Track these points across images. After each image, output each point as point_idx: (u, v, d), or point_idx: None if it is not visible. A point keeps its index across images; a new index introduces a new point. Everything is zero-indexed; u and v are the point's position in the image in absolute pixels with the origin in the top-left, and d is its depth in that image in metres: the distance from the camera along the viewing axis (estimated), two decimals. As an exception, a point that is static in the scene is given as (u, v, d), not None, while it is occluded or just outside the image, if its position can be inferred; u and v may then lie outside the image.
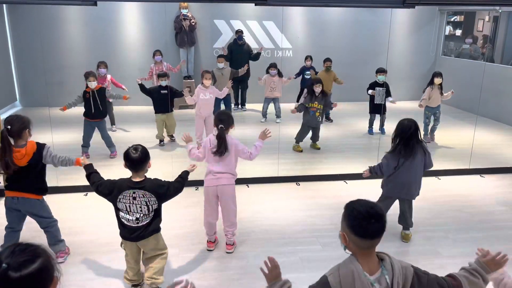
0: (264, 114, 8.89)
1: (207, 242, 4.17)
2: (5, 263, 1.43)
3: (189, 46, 9.83)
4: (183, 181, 3.44)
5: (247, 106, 10.03)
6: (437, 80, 7.32)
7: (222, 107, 8.47)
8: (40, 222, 3.90)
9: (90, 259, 3.95)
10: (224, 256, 4.05)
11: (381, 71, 7.84)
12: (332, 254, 4.12)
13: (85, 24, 9.72)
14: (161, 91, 7.00)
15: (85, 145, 6.65)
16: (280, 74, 8.60)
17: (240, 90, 9.78)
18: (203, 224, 4.19)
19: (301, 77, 9.21)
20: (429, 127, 7.69)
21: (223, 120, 3.87)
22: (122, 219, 3.20)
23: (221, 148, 3.83)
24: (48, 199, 5.13)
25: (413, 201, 4.36)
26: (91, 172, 3.40)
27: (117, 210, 3.22)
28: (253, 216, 4.83)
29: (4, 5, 9.15)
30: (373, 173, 4.30)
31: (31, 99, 9.78)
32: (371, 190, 5.56)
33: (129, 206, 3.14)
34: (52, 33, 9.54)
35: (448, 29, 11.07)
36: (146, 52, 9.91)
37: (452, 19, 11.08)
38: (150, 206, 3.17)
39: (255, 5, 5.45)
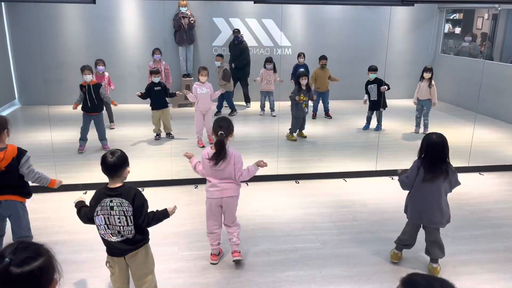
0: (262, 107, 9.31)
1: (211, 255, 3.94)
2: (8, 258, 1.45)
3: (188, 44, 9.82)
4: (153, 216, 3.06)
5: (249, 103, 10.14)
6: (426, 75, 7.64)
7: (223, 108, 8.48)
8: (17, 231, 3.63)
9: (88, 257, 3.95)
10: (223, 255, 4.04)
11: (372, 69, 7.98)
12: (331, 252, 4.13)
13: (84, 21, 9.70)
14: (155, 88, 7.16)
15: (83, 138, 6.77)
16: (274, 69, 9.09)
17: (241, 88, 9.90)
18: (206, 232, 3.99)
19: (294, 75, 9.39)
20: (421, 121, 7.96)
21: (223, 127, 3.63)
22: (105, 236, 2.99)
23: (220, 155, 3.58)
24: (47, 197, 5.16)
25: (440, 229, 3.84)
26: (82, 207, 3.15)
27: (98, 228, 2.99)
28: (252, 214, 4.83)
29: (3, 3, 9.13)
30: (400, 180, 3.84)
31: (30, 97, 9.77)
32: (371, 189, 5.58)
33: (108, 218, 2.93)
34: (51, 31, 9.53)
35: (447, 27, 11.07)
36: (145, 50, 9.91)
37: (451, 17, 11.08)
38: (128, 218, 2.92)
39: (254, 2, 5.44)
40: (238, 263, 3.87)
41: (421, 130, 7.92)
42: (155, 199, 5.14)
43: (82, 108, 6.66)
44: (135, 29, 9.91)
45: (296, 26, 10.46)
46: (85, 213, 3.09)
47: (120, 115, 8.44)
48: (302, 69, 9.16)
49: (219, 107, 9.15)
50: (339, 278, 3.72)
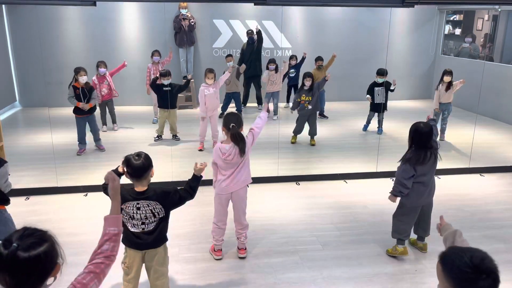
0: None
1: (217, 251, 4.02)
2: (15, 244, 1.54)
3: (189, 45, 9.83)
4: (191, 191, 3.17)
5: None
6: (446, 78, 7.42)
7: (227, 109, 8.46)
8: None
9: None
10: (224, 256, 4.04)
11: (380, 73, 7.89)
12: (332, 253, 4.13)
13: (84, 23, 9.72)
14: (164, 88, 7.19)
15: (81, 142, 6.75)
16: (276, 70, 9.07)
17: (255, 90, 9.87)
18: (207, 234, 4.14)
19: (287, 76, 9.53)
20: (438, 127, 7.70)
21: (233, 120, 3.68)
22: (127, 224, 2.97)
23: (242, 146, 3.63)
24: (49, 199, 5.16)
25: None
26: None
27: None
28: (253, 215, 4.82)
29: (3, 5, 9.15)
30: (399, 194, 3.88)
31: (30, 99, 9.77)
32: (371, 190, 5.58)
33: (133, 215, 2.94)
34: (51, 33, 9.54)
35: (448, 28, 11.07)
36: (146, 51, 9.90)
37: (451, 18, 11.08)
38: (155, 213, 2.96)
39: (255, 4, 5.45)
40: (231, 254, 4.05)
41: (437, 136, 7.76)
42: (155, 201, 5.15)
43: (75, 111, 6.61)
44: (136, 31, 9.93)
45: (296, 27, 10.47)
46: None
47: (120, 116, 8.44)
48: (292, 70, 9.35)
49: (224, 108, 9.16)
50: (340, 280, 3.72)
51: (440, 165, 6.35)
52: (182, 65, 9.95)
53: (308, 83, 7.19)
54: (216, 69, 9.71)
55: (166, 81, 7.13)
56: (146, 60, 9.82)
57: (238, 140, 3.62)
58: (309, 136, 7.46)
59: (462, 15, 10.92)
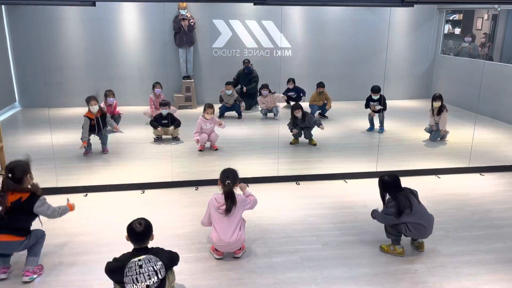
0: (262, 112, 9.36)
1: (217, 250, 4.03)
2: None
3: (188, 46, 9.84)
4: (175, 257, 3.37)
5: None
6: (435, 104, 7.45)
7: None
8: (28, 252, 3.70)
9: (90, 259, 3.94)
10: (224, 256, 4.04)
11: (375, 90, 8.00)
12: (332, 253, 4.13)
13: (84, 24, 9.72)
14: (162, 121, 7.26)
15: (85, 141, 6.64)
16: (270, 92, 9.20)
17: (248, 105, 9.96)
18: (206, 235, 4.14)
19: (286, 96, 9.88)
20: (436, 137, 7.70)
21: (230, 177, 3.90)
22: None
23: (230, 203, 3.83)
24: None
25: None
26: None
27: (123, 285, 3.03)
28: (253, 215, 4.82)
29: (2, 6, 9.15)
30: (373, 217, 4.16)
31: (30, 100, 9.78)
32: (371, 190, 5.57)
33: (136, 277, 2.93)
34: (51, 33, 9.54)
35: (447, 27, 11.07)
36: (145, 51, 9.93)
37: (451, 18, 11.08)
38: (158, 272, 2.99)
39: (254, 4, 5.46)
40: (231, 254, 4.04)
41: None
42: (155, 201, 5.15)
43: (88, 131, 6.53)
44: (135, 31, 9.92)
45: (296, 27, 10.47)
46: (110, 265, 3.15)
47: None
48: (292, 93, 9.66)
49: (221, 111, 9.18)
50: (340, 280, 3.72)
51: (440, 165, 6.42)
52: (181, 65, 9.96)
53: (298, 114, 7.16)
54: (215, 69, 9.83)
55: (164, 111, 7.20)
56: (146, 61, 9.86)
57: (228, 198, 3.84)
58: (309, 141, 7.47)
59: (461, 15, 10.92)
